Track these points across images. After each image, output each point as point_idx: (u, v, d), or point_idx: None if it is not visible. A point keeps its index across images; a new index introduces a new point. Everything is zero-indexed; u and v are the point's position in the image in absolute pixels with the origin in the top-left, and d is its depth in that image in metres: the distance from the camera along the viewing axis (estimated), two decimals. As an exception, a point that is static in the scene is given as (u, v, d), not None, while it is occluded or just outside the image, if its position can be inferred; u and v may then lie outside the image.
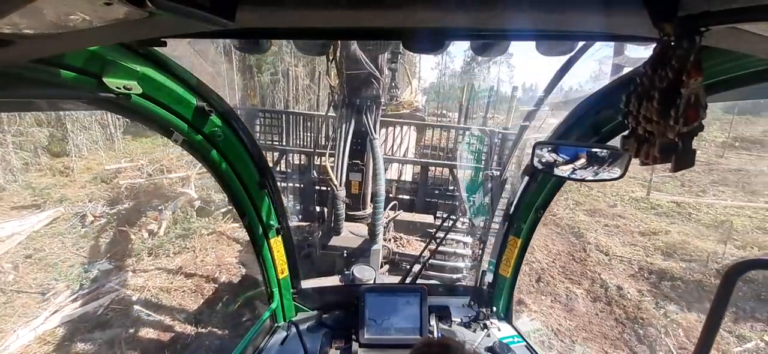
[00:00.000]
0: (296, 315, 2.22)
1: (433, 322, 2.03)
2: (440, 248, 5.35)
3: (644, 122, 0.58)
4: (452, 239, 5.80)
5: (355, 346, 1.92)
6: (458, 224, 6.07)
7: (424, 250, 3.49)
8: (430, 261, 5.27)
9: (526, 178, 1.93)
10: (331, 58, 3.83)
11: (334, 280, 3.61)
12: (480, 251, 3.53)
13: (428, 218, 5.86)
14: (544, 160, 1.45)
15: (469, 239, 6.04)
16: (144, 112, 1.27)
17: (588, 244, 8.71)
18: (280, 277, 2.05)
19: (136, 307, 5.82)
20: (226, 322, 5.64)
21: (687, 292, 6.57)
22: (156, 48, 1.18)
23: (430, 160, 6.39)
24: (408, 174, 7.39)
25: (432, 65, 47.99)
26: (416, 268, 3.09)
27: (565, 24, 0.68)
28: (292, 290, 2.17)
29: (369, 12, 0.62)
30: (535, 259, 7.71)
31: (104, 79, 1.07)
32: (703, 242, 8.31)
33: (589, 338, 5.66)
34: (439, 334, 2.01)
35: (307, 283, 2.34)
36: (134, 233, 8.05)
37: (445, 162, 6.41)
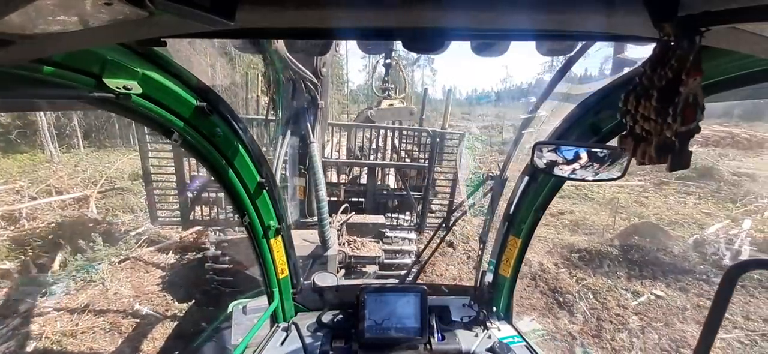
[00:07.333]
0: (296, 315, 2.22)
1: (433, 322, 2.03)
2: (389, 247, 5.85)
3: (642, 121, 0.58)
4: (399, 237, 6.19)
5: (355, 346, 1.92)
6: (403, 222, 6.58)
7: (423, 250, 3.50)
8: (382, 260, 5.57)
9: (526, 178, 1.93)
10: (267, 60, 3.70)
11: None
12: (480, 252, 3.53)
13: (379, 219, 5.91)
14: (544, 160, 1.44)
15: (414, 236, 6.39)
16: (144, 112, 1.28)
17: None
18: (280, 277, 2.05)
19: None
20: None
21: (591, 260, 7.51)
22: (156, 48, 1.19)
23: (378, 162, 6.36)
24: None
25: (359, 68, 47.81)
26: (415, 268, 3.10)
27: (565, 24, 0.68)
28: (292, 290, 2.17)
29: (369, 12, 0.62)
30: (471, 248, 8.17)
31: (104, 79, 1.08)
32: (599, 217, 10.14)
33: (522, 311, 6.07)
34: (439, 334, 2.01)
35: None
36: (18, 271, 6.40)
37: (391, 163, 6.46)
